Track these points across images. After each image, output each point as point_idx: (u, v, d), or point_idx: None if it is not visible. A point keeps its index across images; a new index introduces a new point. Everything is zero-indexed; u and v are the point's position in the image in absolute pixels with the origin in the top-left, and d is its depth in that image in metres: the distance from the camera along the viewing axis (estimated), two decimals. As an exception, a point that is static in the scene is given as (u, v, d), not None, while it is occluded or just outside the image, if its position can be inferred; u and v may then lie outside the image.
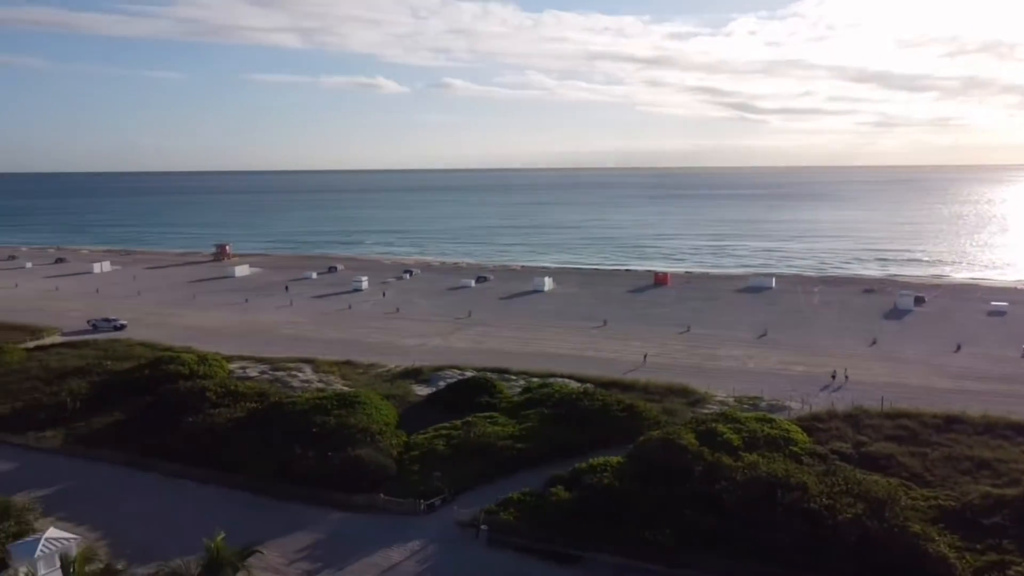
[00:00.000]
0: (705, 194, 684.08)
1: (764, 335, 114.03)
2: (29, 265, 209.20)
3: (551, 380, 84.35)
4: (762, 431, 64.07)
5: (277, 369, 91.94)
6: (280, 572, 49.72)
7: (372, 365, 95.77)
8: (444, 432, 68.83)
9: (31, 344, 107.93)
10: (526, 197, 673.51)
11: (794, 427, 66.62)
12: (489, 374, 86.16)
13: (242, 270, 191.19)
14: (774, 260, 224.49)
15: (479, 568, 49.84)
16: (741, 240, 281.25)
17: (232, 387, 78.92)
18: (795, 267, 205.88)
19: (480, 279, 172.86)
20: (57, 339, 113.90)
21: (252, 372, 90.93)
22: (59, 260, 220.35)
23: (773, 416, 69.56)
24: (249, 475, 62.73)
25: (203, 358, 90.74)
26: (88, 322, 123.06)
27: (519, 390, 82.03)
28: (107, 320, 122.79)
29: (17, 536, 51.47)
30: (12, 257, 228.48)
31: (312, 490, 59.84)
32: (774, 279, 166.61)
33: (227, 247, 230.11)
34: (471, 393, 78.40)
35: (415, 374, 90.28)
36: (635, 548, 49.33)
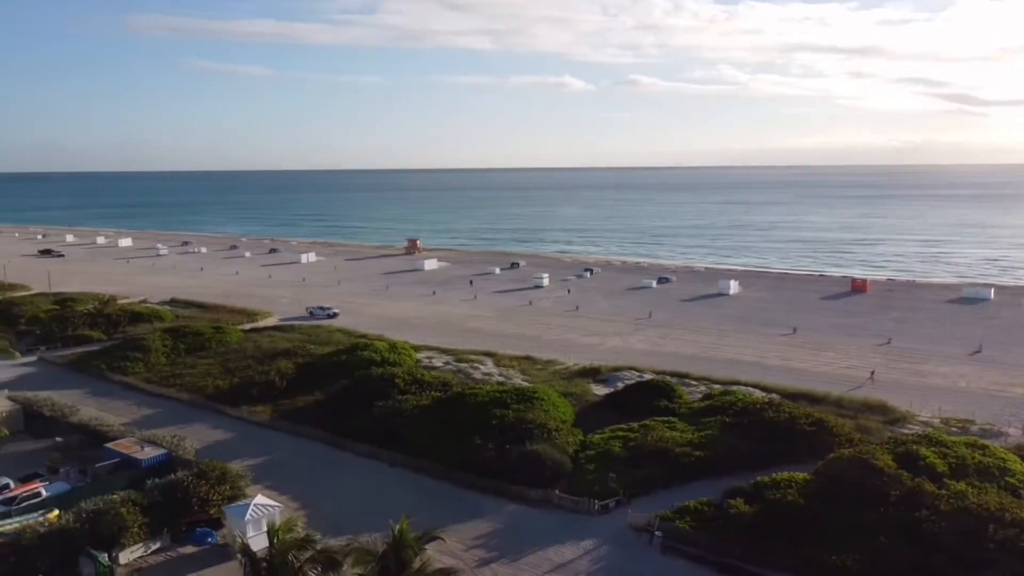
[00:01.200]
0: (915, 195, 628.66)
1: (978, 351, 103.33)
2: (248, 254, 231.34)
3: (733, 388, 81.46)
4: (972, 458, 58.11)
5: (460, 361, 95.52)
6: (457, 557, 51.66)
7: (551, 362, 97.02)
8: (621, 434, 68.40)
9: (247, 326, 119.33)
10: (711, 196, 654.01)
11: (1011, 456, 59.82)
12: (668, 377, 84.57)
13: (431, 264, 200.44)
14: (996, 270, 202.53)
15: (652, 574, 49.11)
16: (957, 247, 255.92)
17: (419, 375, 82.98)
18: (1021, 278, 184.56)
19: (662, 280, 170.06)
20: (270, 322, 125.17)
21: (437, 362, 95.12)
22: (273, 250, 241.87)
23: (986, 442, 62.86)
24: (432, 461, 65.73)
25: (394, 346, 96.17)
26: (306, 309, 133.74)
27: (699, 396, 79.92)
28: (322, 308, 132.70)
29: (231, 499, 57.25)
30: (234, 247, 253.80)
31: (490, 481, 61.64)
32: (993, 290, 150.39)
33: (418, 241, 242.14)
34: (649, 396, 77.36)
35: (593, 373, 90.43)
36: (819, 571, 46.50)
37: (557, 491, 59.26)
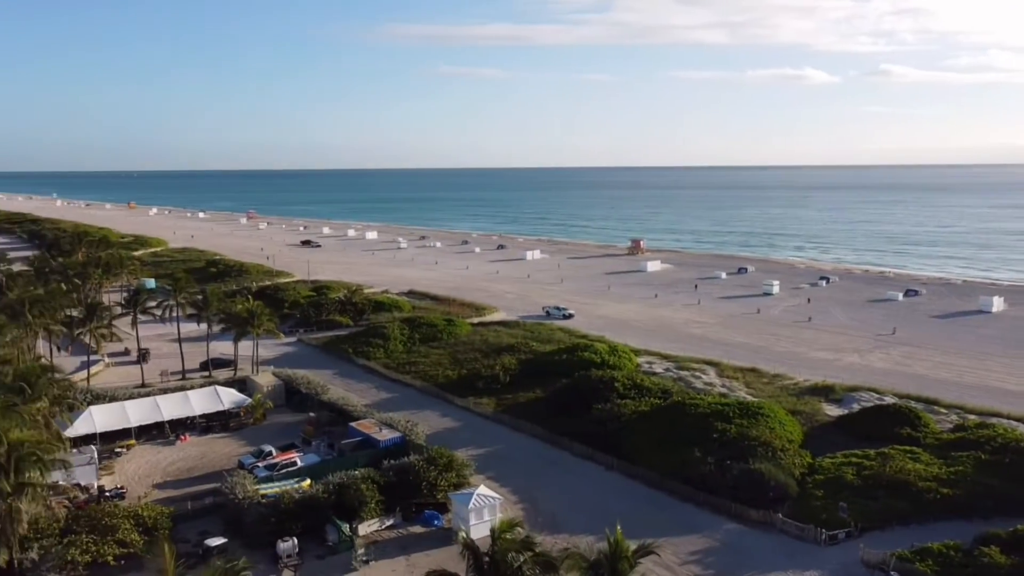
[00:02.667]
0: None
1: None
2: (477, 250, 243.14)
3: (992, 420, 72.60)
4: None
5: (681, 368, 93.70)
6: (672, 571, 50.88)
7: (778, 376, 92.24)
8: (855, 460, 63.56)
9: (475, 320, 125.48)
10: (976, 199, 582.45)
11: None
12: (913, 403, 77.13)
13: (654, 265, 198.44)
14: None
15: (885, 619, 45.16)
16: None
17: (638, 380, 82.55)
18: None
19: (909, 292, 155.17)
20: (496, 317, 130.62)
21: (657, 368, 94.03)
22: (500, 247, 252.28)
23: None
24: (648, 469, 65.16)
25: (614, 349, 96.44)
26: (543, 308, 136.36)
27: (950, 426, 72.13)
28: (558, 308, 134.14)
29: (456, 487, 60.65)
30: (465, 242, 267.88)
31: (708, 496, 59.97)
32: None
33: (641, 242, 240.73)
34: (890, 421, 71.10)
35: (825, 391, 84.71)
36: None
37: (780, 515, 56.31)
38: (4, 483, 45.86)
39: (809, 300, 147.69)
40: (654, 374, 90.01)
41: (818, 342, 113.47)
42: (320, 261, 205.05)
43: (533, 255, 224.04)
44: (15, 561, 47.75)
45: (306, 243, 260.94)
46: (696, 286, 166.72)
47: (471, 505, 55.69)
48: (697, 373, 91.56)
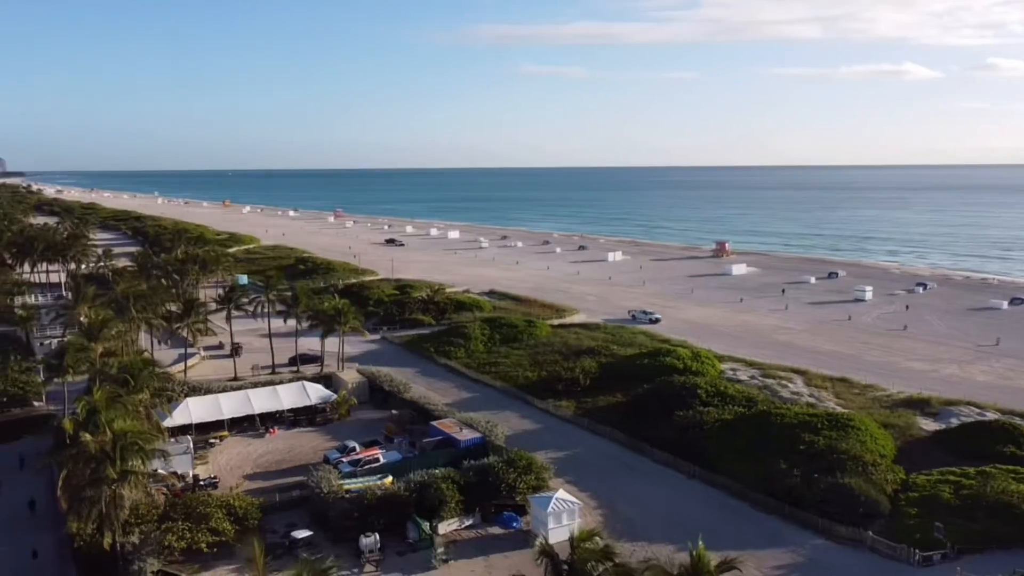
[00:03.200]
0: None
1: None
2: (558, 250, 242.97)
3: (1107, 441, 67.85)
4: None
5: (767, 376, 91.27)
6: (754, 586, 49.65)
7: (869, 387, 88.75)
8: (952, 478, 60.64)
9: (555, 321, 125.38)
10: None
11: None
12: (1018, 419, 72.97)
13: (739, 268, 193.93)
14: None
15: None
16: None
17: (722, 388, 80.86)
18: None
19: (1015, 301, 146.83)
20: (576, 319, 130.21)
21: (742, 375, 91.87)
22: (581, 247, 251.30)
23: None
24: (731, 479, 63.77)
25: (697, 354, 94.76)
26: (628, 312, 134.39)
27: (1059, 446, 67.84)
28: (645, 312, 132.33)
29: (535, 489, 60.73)
30: (546, 242, 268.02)
31: (794, 509, 58.25)
32: None
33: (726, 244, 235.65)
34: (991, 438, 67.56)
35: (920, 405, 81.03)
36: None
37: (871, 532, 54.19)
38: (110, 470, 48.43)
39: (908, 307, 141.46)
40: (738, 381, 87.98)
41: (914, 352, 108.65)
42: (403, 260, 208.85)
43: (614, 256, 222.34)
44: (118, 544, 50.39)
45: (390, 242, 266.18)
46: (783, 291, 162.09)
47: (550, 509, 55.69)
48: (783, 382, 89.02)
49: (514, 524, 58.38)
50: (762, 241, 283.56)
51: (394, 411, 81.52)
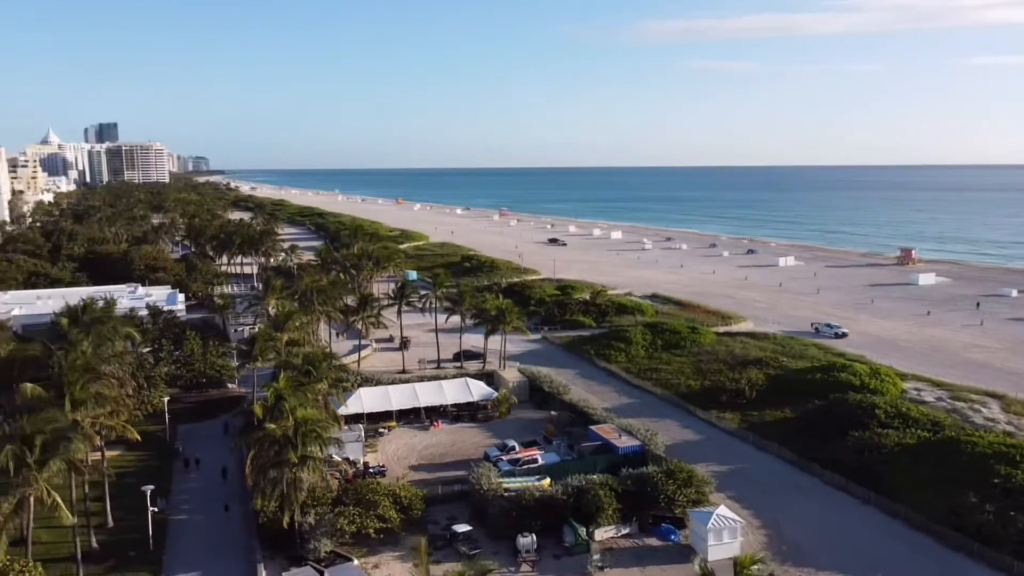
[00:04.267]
0: None
1: None
2: (725, 254, 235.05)
3: None
4: None
5: (956, 399, 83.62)
6: (936, 629, 45.67)
7: (1082, 416, 79.04)
8: None
9: (720, 329, 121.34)
10: None
11: None
12: None
13: (927, 278, 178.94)
14: None
15: None
16: None
17: (903, 409, 74.95)
18: None
19: None
20: (743, 327, 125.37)
21: (927, 396, 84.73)
22: (750, 251, 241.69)
23: None
24: (912, 509, 59.00)
25: (876, 371, 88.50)
26: (812, 325, 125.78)
27: None
28: (829, 326, 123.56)
29: (695, 503, 59.12)
30: (713, 245, 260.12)
31: (985, 548, 53.02)
32: None
33: (913, 251, 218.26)
34: None
35: None
36: None
37: (1079, 584, 48.34)
38: (291, 454, 52.17)
39: None
40: (923, 403, 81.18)
41: None
42: (565, 259, 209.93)
43: (786, 261, 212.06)
44: (296, 523, 54.20)
45: (552, 241, 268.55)
46: (978, 304, 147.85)
47: (710, 525, 54.01)
48: (976, 406, 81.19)
49: (672, 537, 57.12)
50: (955, 249, 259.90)
51: (553, 412, 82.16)
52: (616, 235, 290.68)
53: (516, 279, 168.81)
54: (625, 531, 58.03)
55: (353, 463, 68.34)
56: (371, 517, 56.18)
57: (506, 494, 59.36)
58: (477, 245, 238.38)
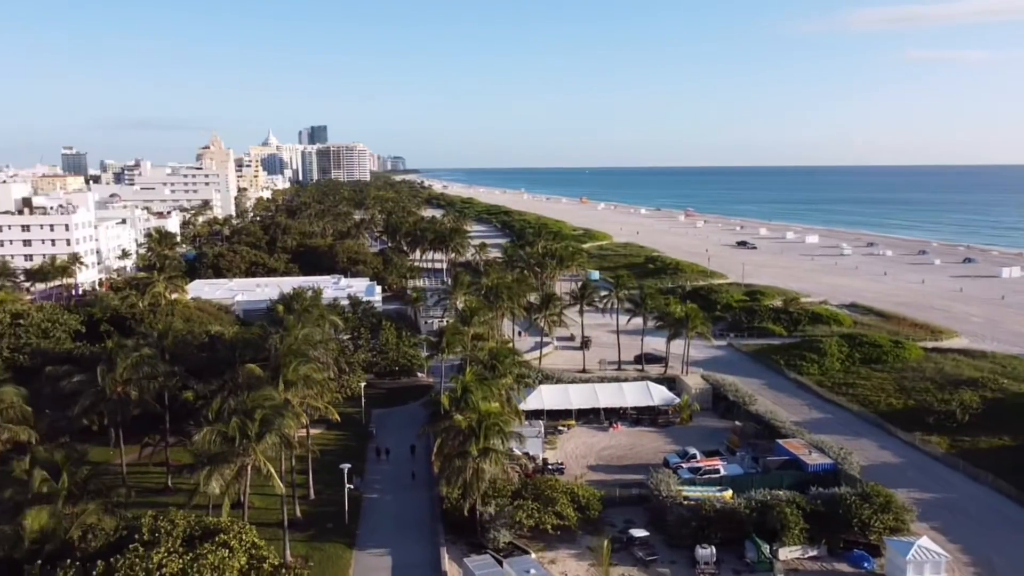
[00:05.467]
0: None
1: None
2: (937, 262, 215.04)
3: None
4: None
5: None
6: None
7: None
8: None
9: (928, 344, 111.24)
10: None
11: None
12: None
13: None
14: None
15: None
16: None
17: None
18: None
19: None
20: (955, 343, 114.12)
21: None
22: (967, 260, 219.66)
23: None
24: None
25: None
26: None
27: None
28: None
29: (893, 531, 54.81)
30: (922, 252, 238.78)
31: None
32: None
33: None
34: None
35: None
36: None
37: None
38: (474, 446, 54.13)
39: None
40: None
41: None
42: (755, 263, 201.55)
43: (1011, 272, 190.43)
44: (477, 512, 56.17)
45: (741, 244, 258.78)
46: None
47: (911, 556, 49.87)
48: None
49: (865, 564, 53.36)
50: None
51: (737, 422, 79.30)
52: (811, 239, 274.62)
53: (702, 282, 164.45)
54: (812, 553, 54.92)
55: (533, 458, 69.68)
56: (549, 513, 57.05)
57: (685, 502, 58.16)
58: (661, 246, 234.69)
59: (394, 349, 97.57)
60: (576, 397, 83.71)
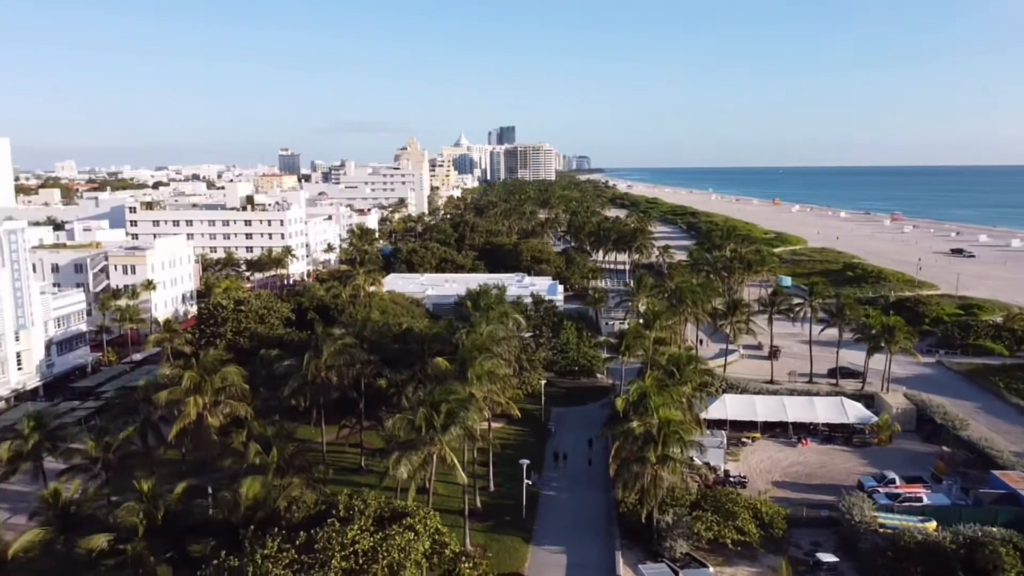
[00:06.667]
0: None
1: None
2: None
3: None
4: None
5: None
6: None
7: None
8: None
9: None
10: None
11: None
12: None
13: None
14: None
15: None
16: None
17: None
18: None
19: None
20: None
21: None
22: None
23: None
24: None
25: None
26: None
27: None
28: None
29: None
30: None
31: None
32: None
33: None
34: None
35: None
36: None
37: None
38: (652, 453, 53.32)
39: None
40: None
41: None
42: (972, 274, 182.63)
43: None
44: (654, 519, 55.34)
45: (956, 252, 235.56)
46: None
47: None
48: None
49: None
50: None
51: (945, 448, 72.41)
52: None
53: (908, 293, 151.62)
54: (1033, 601, 49.05)
55: (713, 469, 67.60)
56: (729, 527, 55.15)
57: (881, 530, 54.15)
58: (862, 252, 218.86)
59: (574, 349, 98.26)
60: (762, 409, 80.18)
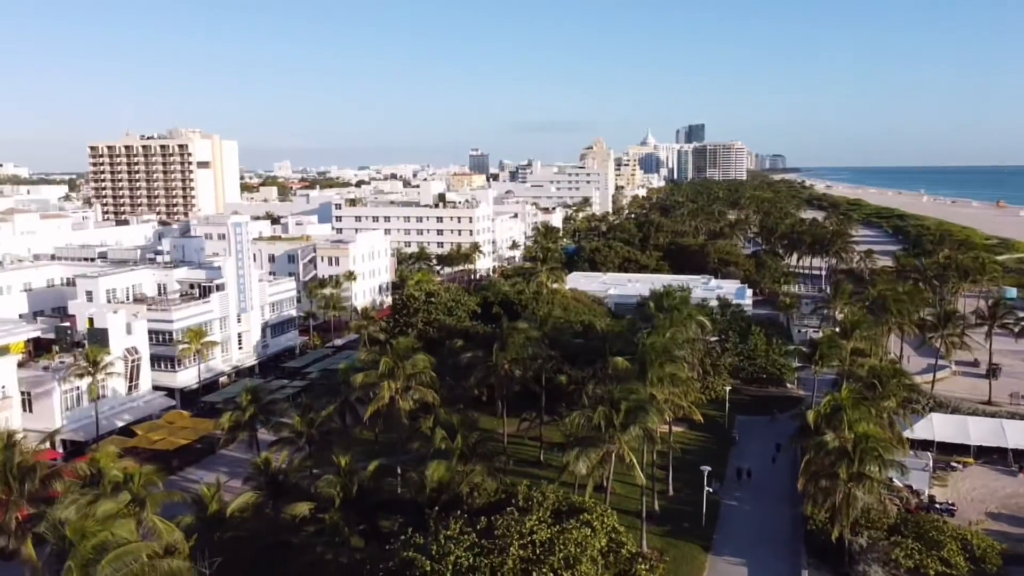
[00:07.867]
0: None
1: None
2: None
3: None
4: None
5: None
6: None
7: None
8: None
9: None
10: None
11: None
12: None
13: None
14: None
15: None
16: None
17: None
18: None
19: None
20: None
21: None
22: None
23: None
24: None
25: None
26: None
27: None
28: None
29: None
30: None
31: None
32: None
33: None
34: None
35: None
36: None
37: None
38: (845, 469, 49.81)
39: None
40: None
41: None
42: None
43: None
44: (846, 541, 51.72)
45: None
46: None
47: None
48: None
49: None
50: None
51: None
52: None
53: None
54: None
55: (916, 493, 62.21)
56: (933, 557, 50.50)
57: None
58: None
59: (763, 356, 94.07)
60: (976, 432, 72.58)
